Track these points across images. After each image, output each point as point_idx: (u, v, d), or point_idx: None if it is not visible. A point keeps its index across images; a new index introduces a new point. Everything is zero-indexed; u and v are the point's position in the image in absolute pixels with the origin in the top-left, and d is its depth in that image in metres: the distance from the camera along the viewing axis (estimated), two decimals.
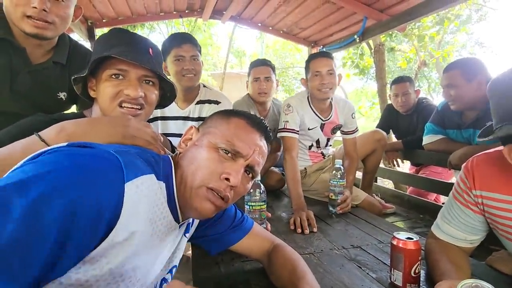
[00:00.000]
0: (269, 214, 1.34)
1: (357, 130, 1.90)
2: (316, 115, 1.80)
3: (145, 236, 0.54)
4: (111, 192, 0.47)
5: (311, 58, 1.75)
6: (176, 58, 1.50)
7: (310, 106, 1.79)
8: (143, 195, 0.52)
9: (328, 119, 1.82)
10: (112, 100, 0.74)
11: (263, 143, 0.70)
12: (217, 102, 1.67)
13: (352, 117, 1.86)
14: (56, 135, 0.60)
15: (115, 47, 0.76)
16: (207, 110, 1.65)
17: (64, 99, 1.14)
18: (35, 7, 0.88)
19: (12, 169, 0.47)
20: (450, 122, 1.85)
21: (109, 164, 0.48)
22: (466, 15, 7.83)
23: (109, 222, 0.46)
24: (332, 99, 1.81)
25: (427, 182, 2.28)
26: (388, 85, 4.02)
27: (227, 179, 0.61)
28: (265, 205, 1.19)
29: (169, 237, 0.65)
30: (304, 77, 1.81)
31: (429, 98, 2.87)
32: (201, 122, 1.62)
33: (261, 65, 1.98)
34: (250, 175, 0.68)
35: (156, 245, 0.60)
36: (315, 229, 1.30)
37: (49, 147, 0.49)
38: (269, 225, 1.26)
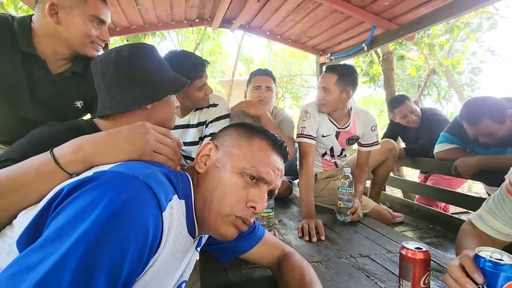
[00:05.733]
0: (277, 222, 1.35)
1: (377, 144, 1.85)
2: (332, 122, 1.80)
3: (166, 257, 0.54)
4: (154, 225, 0.47)
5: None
6: (201, 85, 1.52)
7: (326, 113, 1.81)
8: (174, 219, 0.53)
9: (345, 128, 1.81)
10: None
11: (282, 166, 0.71)
12: (214, 105, 1.68)
13: (372, 130, 1.82)
14: (73, 155, 0.57)
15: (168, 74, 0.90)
16: (205, 114, 1.68)
17: (80, 107, 1.18)
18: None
19: (37, 210, 0.47)
20: (470, 138, 1.81)
21: (146, 200, 0.47)
22: (476, 23, 7.77)
23: (150, 255, 0.48)
24: (351, 109, 1.80)
25: (436, 191, 2.25)
26: (397, 93, 4.01)
27: (253, 206, 0.63)
28: (273, 212, 1.20)
29: (186, 256, 0.66)
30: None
31: (435, 108, 2.87)
32: (200, 127, 1.69)
33: (263, 74, 1.94)
34: (269, 196, 0.70)
35: (173, 266, 0.61)
36: (323, 237, 1.29)
37: (76, 188, 0.46)
38: (277, 232, 1.26)
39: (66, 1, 0.96)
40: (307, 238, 1.29)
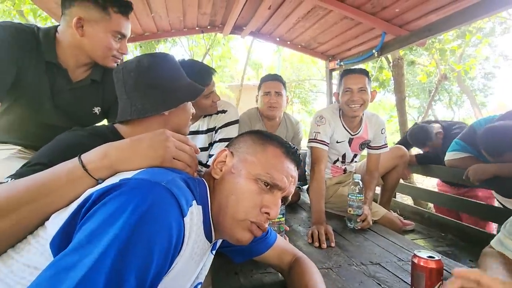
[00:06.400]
0: (287, 228, 1.35)
1: (386, 147, 1.86)
2: (345, 129, 1.80)
3: (186, 259, 0.56)
4: (177, 229, 0.50)
5: (345, 73, 1.75)
6: (208, 93, 1.55)
7: (340, 119, 1.80)
8: (194, 223, 0.55)
9: (357, 134, 1.82)
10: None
11: (296, 173, 0.72)
12: (223, 111, 1.70)
13: (382, 133, 1.84)
14: (100, 161, 0.60)
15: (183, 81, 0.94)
16: (214, 120, 1.70)
17: (98, 113, 1.23)
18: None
19: (67, 214, 0.50)
20: None
21: (169, 205, 0.49)
22: (489, 28, 7.65)
23: (173, 258, 0.50)
24: (363, 114, 1.80)
25: (449, 199, 2.22)
26: (408, 99, 3.98)
27: (267, 212, 0.64)
28: (284, 218, 1.21)
29: (202, 259, 0.68)
30: (336, 91, 1.83)
31: (461, 122, 2.62)
32: (210, 133, 1.72)
33: (273, 79, 1.95)
34: (282, 202, 0.71)
35: (191, 268, 0.63)
36: (333, 244, 1.30)
37: (104, 194, 0.49)
38: (287, 238, 1.27)
39: (93, 16, 1.02)
40: (317, 244, 1.29)
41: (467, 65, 5.63)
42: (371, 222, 1.54)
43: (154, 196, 0.48)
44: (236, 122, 1.72)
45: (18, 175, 0.68)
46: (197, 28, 3.17)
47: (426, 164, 2.31)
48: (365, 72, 1.70)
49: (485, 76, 13.30)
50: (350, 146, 1.84)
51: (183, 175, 0.61)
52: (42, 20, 4.14)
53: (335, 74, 3.62)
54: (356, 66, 3.22)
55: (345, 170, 1.96)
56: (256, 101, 2.06)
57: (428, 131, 2.29)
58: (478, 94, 13.33)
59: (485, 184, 1.78)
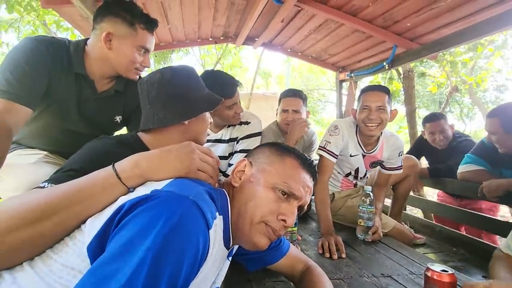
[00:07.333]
0: (300, 237, 1.37)
1: (400, 169, 1.80)
2: (359, 145, 1.74)
3: (208, 266, 0.60)
4: (203, 241, 0.53)
5: (364, 90, 1.67)
6: (231, 104, 1.57)
7: (356, 135, 1.74)
8: (217, 234, 0.60)
9: (370, 153, 1.76)
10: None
11: (312, 184, 0.76)
12: (247, 123, 1.73)
13: (399, 155, 1.77)
14: (131, 170, 0.64)
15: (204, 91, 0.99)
16: (237, 131, 1.73)
17: (119, 121, 1.29)
18: None
19: (100, 222, 0.55)
20: (497, 159, 1.78)
21: (196, 219, 0.53)
22: (501, 40, 7.59)
23: (199, 267, 0.54)
24: (381, 133, 1.73)
25: (459, 213, 2.19)
26: (417, 110, 3.96)
27: (283, 220, 0.68)
28: (296, 228, 1.23)
29: (220, 264, 0.71)
30: (354, 108, 1.75)
31: (469, 135, 2.63)
32: (231, 143, 1.76)
33: (292, 96, 1.94)
34: (298, 211, 0.74)
35: (210, 274, 0.66)
36: (343, 255, 1.30)
37: (136, 204, 0.53)
38: (299, 247, 1.29)
39: (121, 31, 1.09)
40: (327, 255, 1.30)
41: (479, 77, 5.60)
42: (381, 234, 1.54)
43: (182, 209, 0.52)
44: (258, 134, 1.72)
45: (53, 180, 0.73)
46: (210, 39, 3.26)
47: (438, 178, 2.29)
48: (386, 90, 1.61)
49: (498, 88, 13.12)
50: (363, 160, 1.81)
51: (206, 186, 0.65)
52: (63, 30, 4.34)
53: (345, 85, 3.65)
54: (367, 78, 3.25)
55: (355, 185, 1.95)
56: (276, 114, 2.05)
57: (442, 114, 2.48)
58: (491, 106, 13.12)
59: (501, 199, 1.77)
